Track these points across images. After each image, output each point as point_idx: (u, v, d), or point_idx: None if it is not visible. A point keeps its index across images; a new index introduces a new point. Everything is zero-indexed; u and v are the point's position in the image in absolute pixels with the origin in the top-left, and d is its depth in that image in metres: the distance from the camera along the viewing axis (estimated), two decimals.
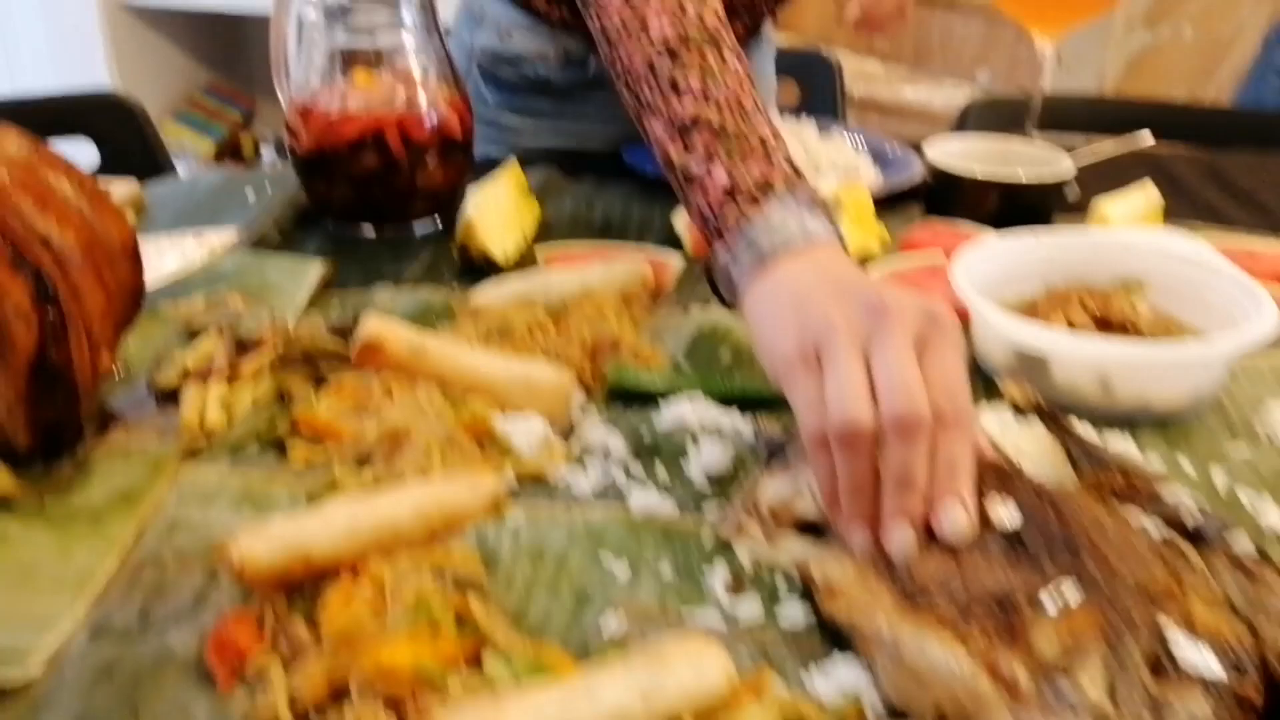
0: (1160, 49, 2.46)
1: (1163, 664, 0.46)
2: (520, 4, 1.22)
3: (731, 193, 0.68)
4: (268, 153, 3.19)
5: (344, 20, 0.97)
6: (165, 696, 0.50)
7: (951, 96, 2.72)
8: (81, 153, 1.38)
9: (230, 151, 3.23)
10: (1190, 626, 0.47)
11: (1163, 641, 0.46)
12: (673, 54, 0.75)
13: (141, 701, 0.50)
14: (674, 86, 0.74)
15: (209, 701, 0.50)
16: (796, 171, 0.70)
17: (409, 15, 0.97)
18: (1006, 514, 0.54)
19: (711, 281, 0.71)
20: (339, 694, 0.50)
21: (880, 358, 0.56)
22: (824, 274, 0.62)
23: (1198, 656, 0.46)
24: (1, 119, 1.35)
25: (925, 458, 0.54)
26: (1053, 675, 0.46)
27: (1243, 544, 0.54)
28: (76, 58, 2.97)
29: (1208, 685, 0.44)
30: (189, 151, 3.07)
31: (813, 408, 0.57)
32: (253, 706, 0.49)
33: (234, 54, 3.42)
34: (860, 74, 2.84)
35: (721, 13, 0.79)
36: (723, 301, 0.70)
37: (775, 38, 1.45)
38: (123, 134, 1.44)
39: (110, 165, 1.42)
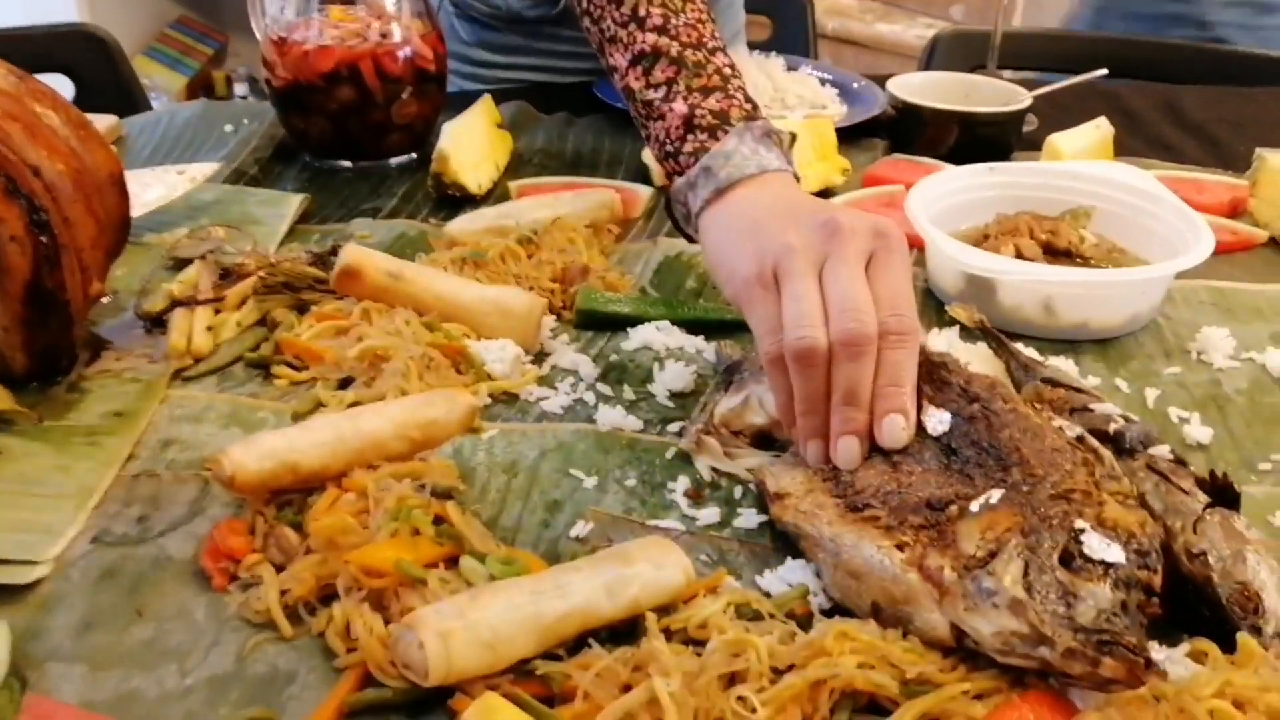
0: None
1: (1074, 557, 0.50)
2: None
3: (689, 122, 0.71)
4: (241, 89, 3.17)
5: None
6: (166, 595, 0.54)
7: (925, 32, 2.74)
8: (56, 87, 1.39)
9: (202, 87, 3.21)
10: (1102, 524, 0.51)
11: (1075, 537, 0.50)
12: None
13: (144, 600, 0.54)
14: (636, 18, 0.76)
15: (206, 600, 0.54)
16: (753, 105, 0.73)
17: None
18: (938, 421, 0.58)
19: (669, 209, 0.73)
20: (327, 593, 0.54)
21: (832, 276, 0.59)
22: (777, 199, 0.66)
23: (1106, 550, 0.50)
24: None
25: (870, 372, 0.58)
26: (974, 570, 0.50)
27: (1162, 452, 0.59)
28: None
29: (1113, 574, 0.49)
30: (160, 88, 3.05)
31: (770, 329, 0.60)
32: (247, 604, 0.53)
33: None
34: (834, 9, 2.85)
35: None
36: (679, 229, 0.73)
37: None
38: (97, 68, 1.44)
39: (84, 100, 1.43)
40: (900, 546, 0.52)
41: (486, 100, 1.06)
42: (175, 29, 3.25)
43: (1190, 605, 0.52)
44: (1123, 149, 1.11)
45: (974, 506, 0.52)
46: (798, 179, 0.70)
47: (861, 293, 0.58)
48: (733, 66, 0.75)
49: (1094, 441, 0.57)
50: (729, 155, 0.69)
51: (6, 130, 0.64)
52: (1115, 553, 0.49)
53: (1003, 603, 0.48)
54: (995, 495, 0.53)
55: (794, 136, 0.72)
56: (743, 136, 0.69)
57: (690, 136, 0.71)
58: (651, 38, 0.75)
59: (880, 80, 1.20)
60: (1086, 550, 0.49)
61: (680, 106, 0.72)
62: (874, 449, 0.59)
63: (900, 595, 0.51)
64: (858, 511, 0.55)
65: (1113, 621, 0.47)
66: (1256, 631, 0.50)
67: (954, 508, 0.53)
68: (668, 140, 0.73)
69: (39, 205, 0.63)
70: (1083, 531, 0.50)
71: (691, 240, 0.72)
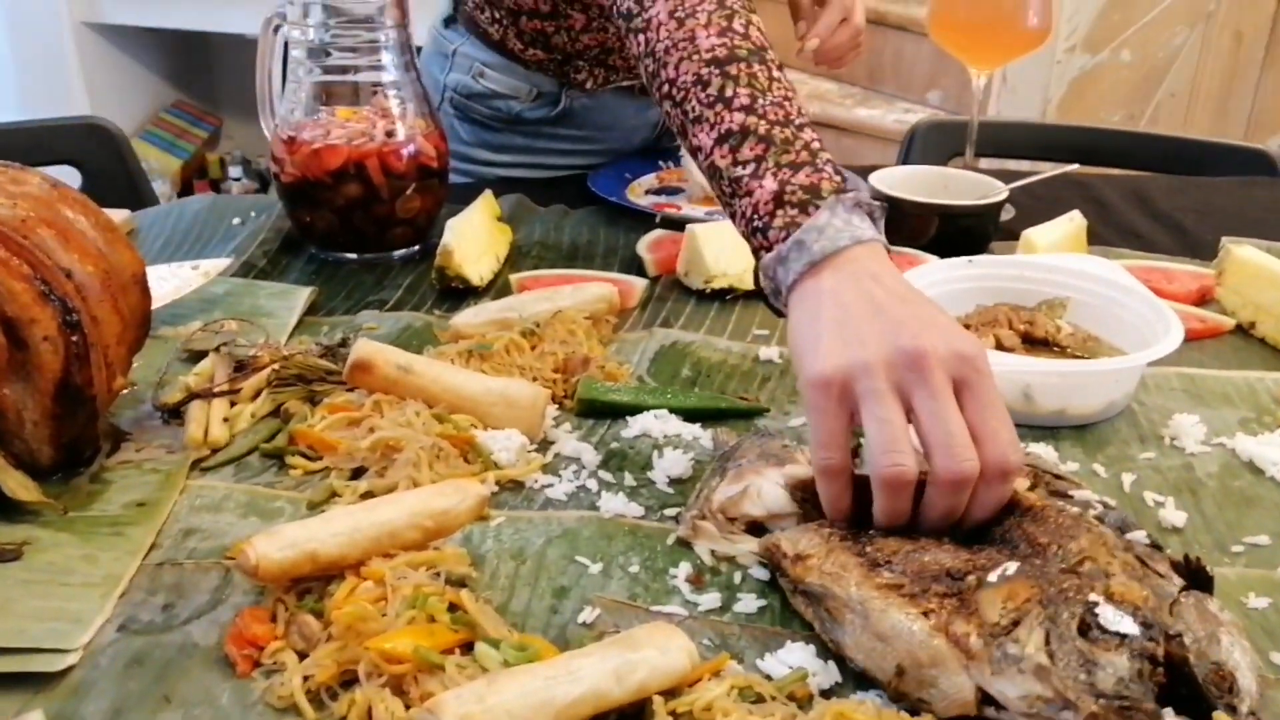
0: (1101, 72, 2.56)
1: (1090, 628, 0.54)
2: (495, 46, 1.29)
3: (779, 198, 0.72)
4: (235, 171, 3.24)
5: (327, 59, 1.04)
6: (192, 682, 0.57)
7: (903, 117, 2.82)
8: (64, 178, 1.43)
9: (197, 170, 3.27)
10: (1111, 597, 0.55)
11: (1090, 609, 0.54)
12: (722, 68, 0.78)
13: (171, 686, 0.56)
14: (723, 99, 0.77)
15: (231, 686, 0.56)
16: (843, 178, 0.74)
17: (389, 55, 1.04)
18: None
19: (757, 285, 0.74)
20: (348, 678, 0.56)
21: (925, 409, 0.60)
22: (865, 293, 0.66)
23: (1119, 622, 0.54)
24: None
25: (965, 501, 0.61)
26: (999, 637, 0.54)
27: (1139, 537, 0.62)
28: (44, 77, 3.00)
29: (1128, 645, 0.52)
30: (156, 171, 3.11)
31: (826, 441, 0.62)
32: (271, 690, 0.56)
33: (200, 72, 3.46)
34: (815, 94, 2.93)
35: (764, 29, 0.83)
36: (771, 308, 0.73)
37: None
38: (103, 159, 1.49)
39: (91, 189, 1.47)
40: (926, 614, 0.56)
41: (487, 195, 1.11)
42: (171, 113, 3.32)
43: (1169, 684, 0.55)
44: (1095, 238, 1.16)
45: (992, 577, 0.56)
46: (888, 248, 0.71)
47: (959, 428, 0.60)
48: (820, 141, 0.76)
49: (1093, 519, 0.61)
50: (822, 229, 0.69)
51: (42, 236, 0.68)
52: (1128, 624, 0.53)
53: (1028, 668, 0.52)
54: (1011, 567, 0.57)
55: (884, 206, 0.74)
56: (834, 209, 0.70)
57: (780, 211, 0.72)
58: (739, 117, 0.76)
59: (863, 172, 1.26)
60: (1102, 622, 0.53)
61: (770, 183, 0.73)
62: None
63: (927, 659, 0.55)
64: (879, 568, 0.59)
65: (1131, 689, 0.51)
66: (1232, 710, 0.53)
67: (972, 578, 0.57)
68: (755, 216, 0.73)
69: (71, 306, 0.67)
70: (1096, 604, 0.54)
71: (780, 314, 0.72)
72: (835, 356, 0.63)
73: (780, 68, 0.80)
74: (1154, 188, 1.37)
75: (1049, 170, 1.28)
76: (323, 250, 1.08)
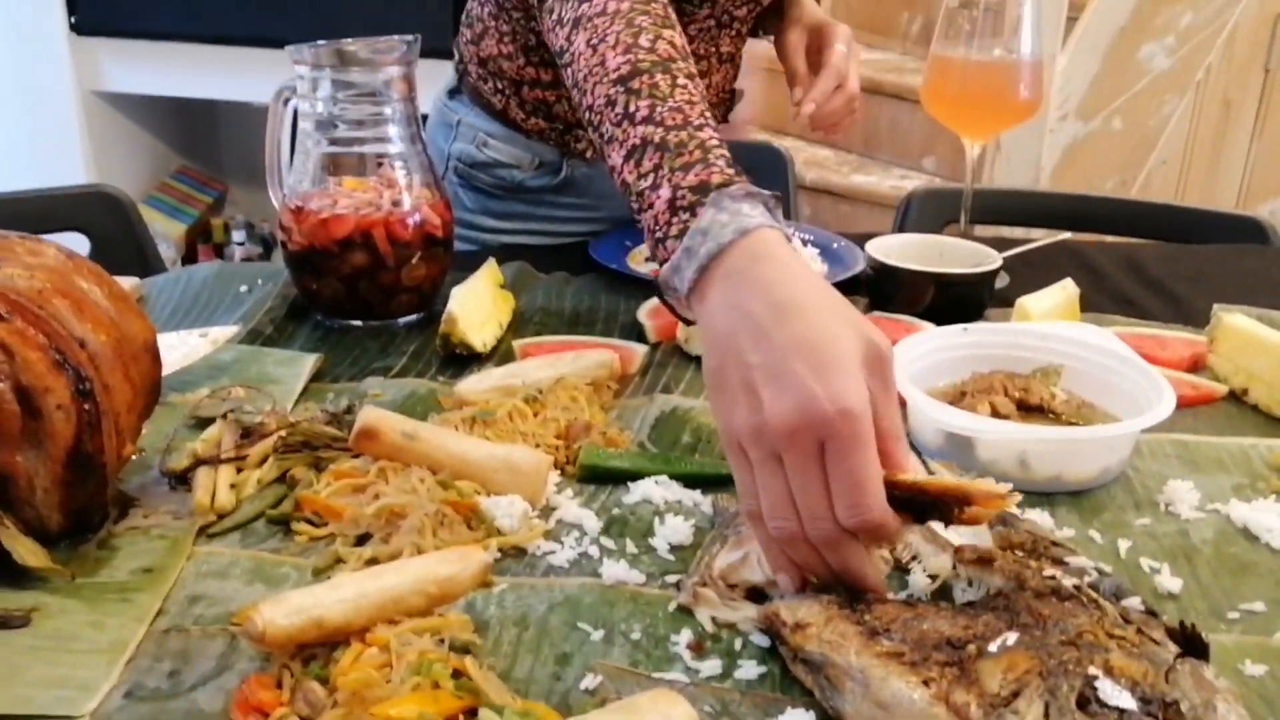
0: (1093, 139, 2.61)
1: (1089, 701, 0.54)
2: (497, 115, 1.32)
3: (673, 205, 0.72)
4: (238, 235, 3.27)
5: (335, 130, 1.06)
6: None
7: (899, 183, 2.86)
8: (73, 245, 1.45)
9: (202, 234, 3.31)
10: (1110, 671, 0.56)
11: (1089, 683, 0.55)
12: (626, 85, 0.79)
13: None
14: (627, 114, 0.78)
15: None
16: (735, 170, 0.73)
17: (395, 128, 1.07)
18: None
19: (664, 301, 0.73)
20: None
21: (792, 477, 0.62)
22: (741, 321, 0.65)
23: (1119, 696, 0.54)
24: (6, 212, 1.42)
25: (853, 548, 0.63)
26: (999, 708, 0.54)
27: (1134, 604, 0.63)
28: (53, 144, 3.05)
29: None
30: (161, 235, 3.14)
31: (745, 491, 0.65)
32: None
33: (205, 139, 3.52)
34: (812, 161, 2.98)
35: (680, 39, 0.84)
36: (682, 319, 0.74)
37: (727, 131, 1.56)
38: (111, 226, 1.51)
39: (99, 255, 1.49)
40: (926, 682, 0.57)
41: (491, 263, 1.13)
42: (176, 179, 3.37)
43: None
44: (1089, 305, 1.17)
45: (992, 647, 0.57)
46: (784, 232, 0.69)
47: (814, 499, 0.61)
48: (718, 139, 0.76)
49: (1092, 592, 0.62)
50: (706, 230, 0.67)
51: (57, 306, 0.69)
52: (1127, 699, 0.54)
53: None
54: (1011, 637, 0.58)
55: (778, 196, 0.71)
56: (720, 204, 0.68)
57: (675, 219, 0.71)
58: (641, 130, 0.76)
59: (858, 240, 1.28)
60: (1101, 696, 0.54)
61: (665, 190, 0.73)
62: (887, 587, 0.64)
63: None
64: (879, 636, 0.60)
65: None
66: None
67: (972, 647, 0.58)
68: (657, 227, 0.73)
69: (85, 375, 0.68)
70: (1096, 677, 0.54)
71: (687, 321, 0.73)
72: (725, 417, 0.64)
73: (690, 75, 0.80)
74: (1147, 255, 1.39)
75: (1042, 238, 1.30)
76: (328, 317, 1.10)
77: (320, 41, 1.04)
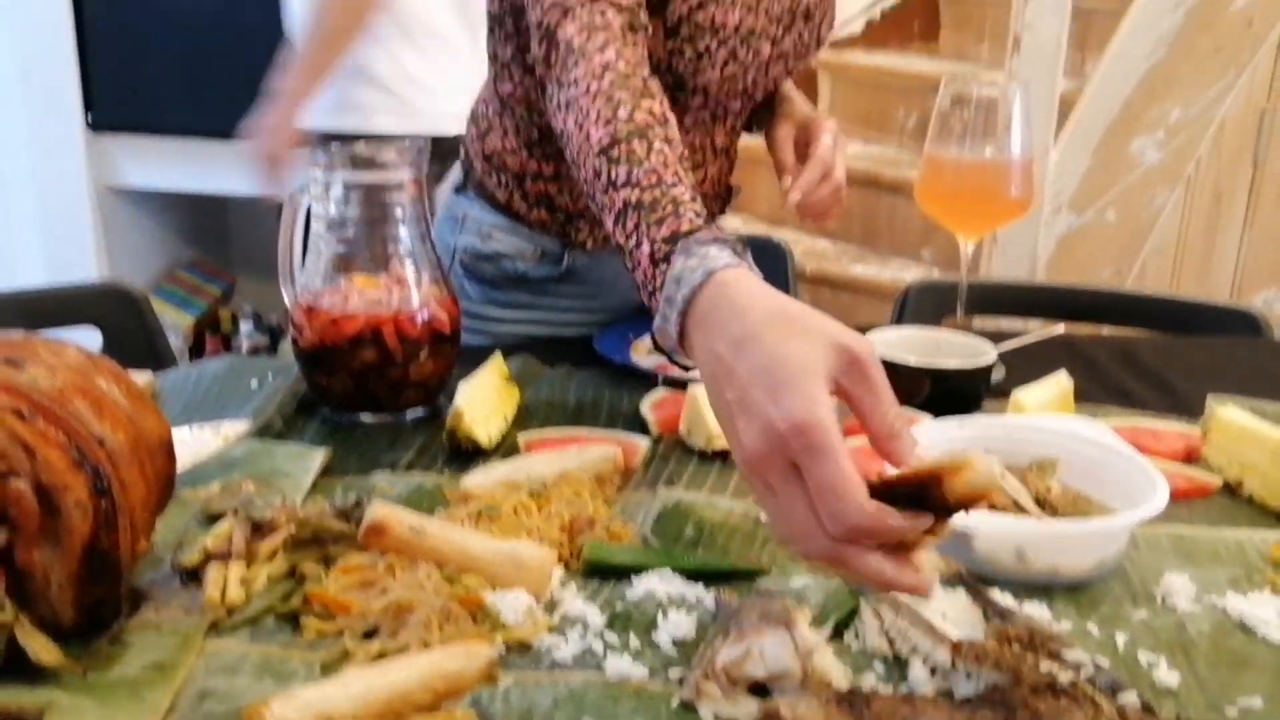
0: (1087, 230, 2.66)
1: None
2: (501, 208, 1.36)
3: (654, 258, 0.78)
4: (246, 326, 3.31)
5: (346, 230, 1.09)
6: None
7: (898, 273, 2.91)
8: (85, 339, 1.48)
9: (210, 325, 3.35)
10: None
11: None
12: (608, 155, 0.85)
13: None
14: (611, 182, 0.84)
15: None
16: (703, 219, 0.79)
17: (406, 228, 1.10)
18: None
19: (661, 350, 0.79)
20: None
21: (782, 502, 0.65)
22: (715, 362, 0.69)
23: None
24: (15, 309, 1.46)
25: (863, 556, 0.64)
26: None
27: (1130, 699, 0.64)
28: (67, 238, 3.11)
29: None
30: (170, 326, 3.18)
31: (769, 520, 0.69)
32: None
33: (215, 231, 3.58)
34: (812, 252, 3.03)
35: (658, 107, 0.90)
36: (680, 365, 0.79)
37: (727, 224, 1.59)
38: (124, 321, 1.55)
39: (111, 349, 1.52)
40: None
41: (496, 358, 1.15)
42: (186, 270, 3.42)
43: None
44: (1084, 396, 1.20)
45: None
46: (751, 266, 0.74)
47: (800, 521, 0.64)
48: (692, 194, 0.81)
49: (1089, 687, 0.63)
50: (680, 277, 0.72)
51: (78, 406, 0.72)
52: None
53: None
54: None
55: (743, 240, 0.77)
56: (688, 250, 0.73)
57: (656, 272, 0.77)
58: (623, 194, 0.82)
59: (858, 330, 1.30)
60: None
61: (646, 246, 0.78)
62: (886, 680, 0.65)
63: None
64: None
65: None
66: None
67: None
68: (646, 283, 0.78)
69: (103, 473, 0.70)
70: None
71: (685, 368, 0.78)
72: (735, 442, 0.68)
73: (667, 139, 0.86)
74: (1141, 347, 1.42)
75: (1037, 332, 1.33)
76: (337, 412, 1.12)
77: (334, 144, 1.08)
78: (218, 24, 2.96)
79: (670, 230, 0.77)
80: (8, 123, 3.13)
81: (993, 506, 0.69)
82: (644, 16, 1.02)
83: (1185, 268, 2.72)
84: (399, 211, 1.10)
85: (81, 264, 3.11)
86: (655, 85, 0.94)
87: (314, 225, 1.11)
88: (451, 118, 2.05)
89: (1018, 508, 0.74)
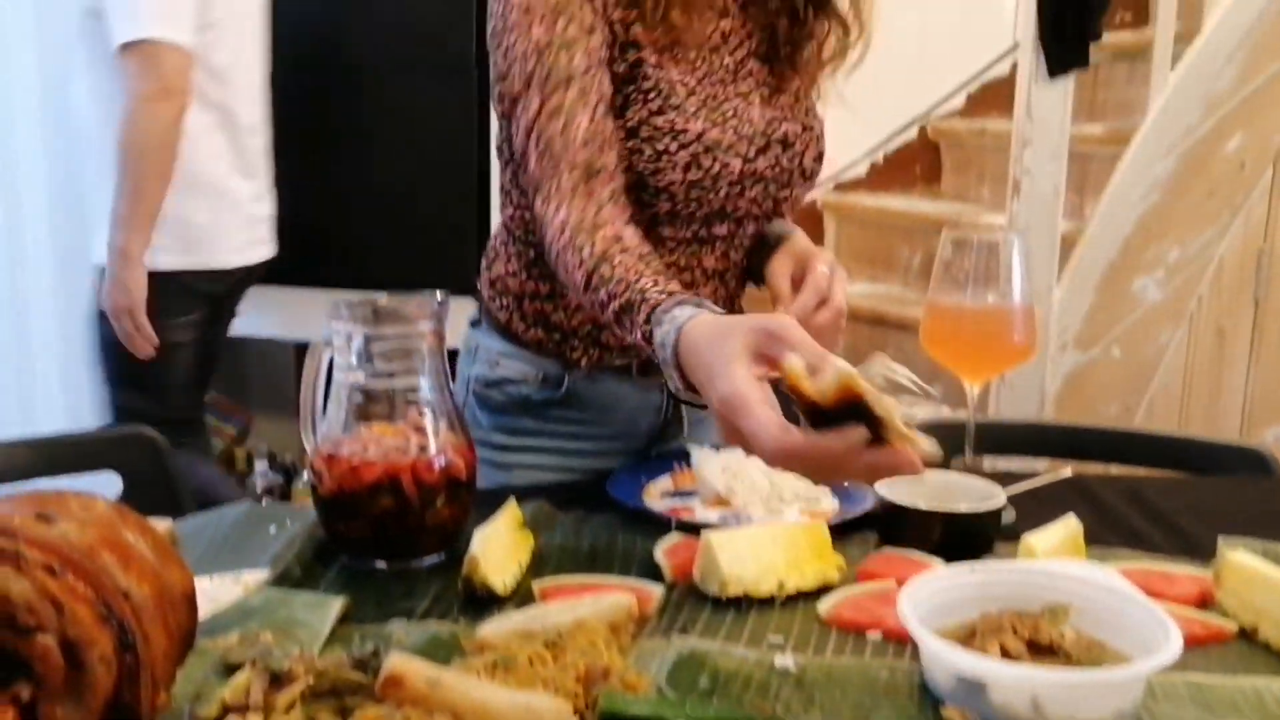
0: (1094, 367, 2.69)
1: None
2: (505, 333, 1.41)
3: (648, 340, 1.06)
4: (261, 465, 3.33)
5: (367, 381, 1.13)
6: None
7: (909, 410, 2.93)
8: (106, 484, 1.51)
9: (225, 464, 3.37)
10: None
11: None
12: (590, 286, 1.14)
13: None
14: (601, 305, 1.13)
15: None
16: (663, 288, 1.08)
17: (425, 378, 1.13)
18: None
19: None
20: None
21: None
22: (699, 383, 1.00)
23: None
24: (38, 455, 1.49)
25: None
26: None
27: None
28: (87, 378, 3.15)
29: None
30: None
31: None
32: None
33: (232, 371, 3.63)
34: None
35: (609, 230, 1.17)
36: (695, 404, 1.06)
37: None
38: (144, 466, 1.57)
39: (131, 494, 1.55)
40: None
41: (511, 504, 1.17)
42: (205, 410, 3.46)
43: None
44: (1094, 538, 1.20)
45: None
46: (706, 306, 1.05)
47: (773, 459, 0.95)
48: (653, 276, 1.11)
49: None
50: (663, 343, 1.03)
51: (105, 560, 0.73)
52: None
53: None
54: None
55: (682, 300, 1.07)
56: (660, 321, 1.05)
57: (653, 348, 1.07)
58: (611, 308, 1.11)
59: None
60: None
61: (639, 335, 1.08)
62: None
63: None
64: None
65: None
66: None
67: None
68: (655, 360, 1.07)
69: (129, 628, 0.71)
70: None
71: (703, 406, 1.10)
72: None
73: (624, 249, 1.14)
74: (1150, 488, 1.42)
75: (1046, 474, 1.34)
76: (355, 559, 1.13)
77: (356, 299, 1.12)
78: None
79: (645, 314, 1.06)
80: (36, 262, 3.22)
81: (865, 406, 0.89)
82: (603, 159, 1.23)
83: (1193, 404, 2.74)
84: (418, 362, 1.13)
85: (103, 404, 3.15)
86: (606, 214, 1.20)
87: (335, 375, 1.14)
88: (233, 252, 2.58)
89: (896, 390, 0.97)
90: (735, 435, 0.94)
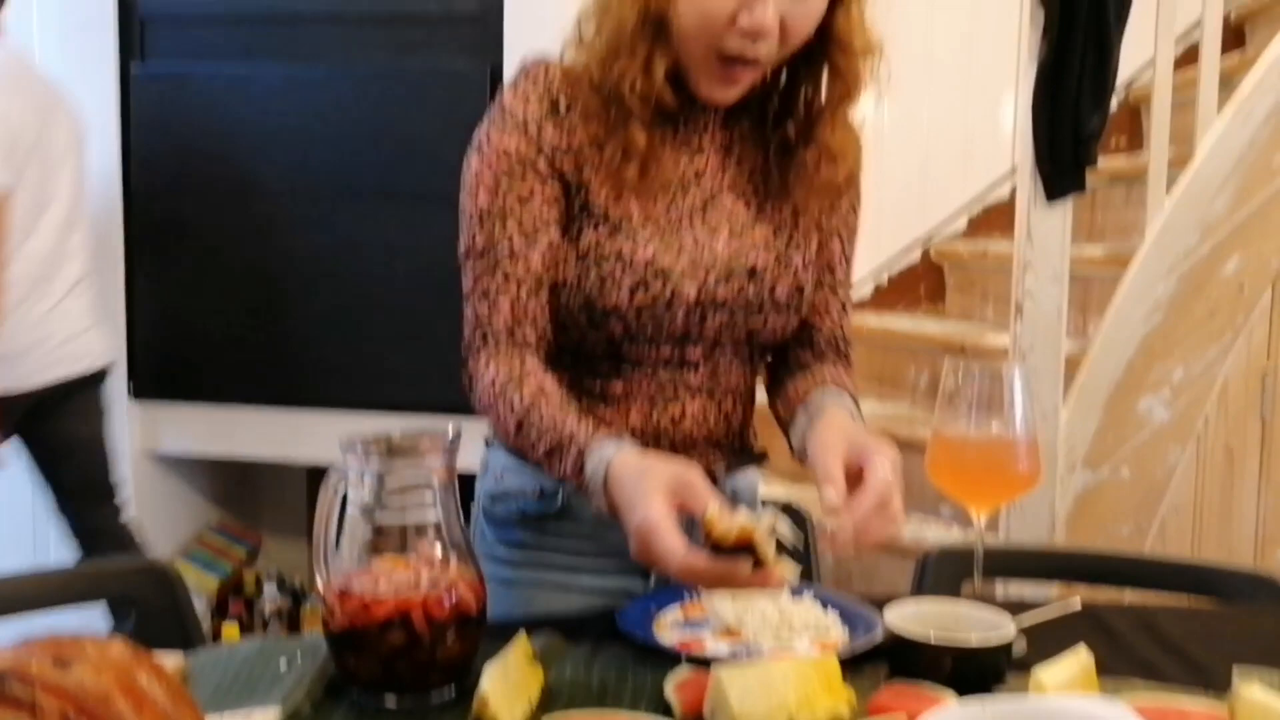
0: (1103, 488, 2.69)
1: None
2: (507, 448, 1.45)
3: (579, 481, 1.24)
4: (270, 589, 3.32)
5: (379, 516, 1.14)
6: None
7: (918, 530, 2.92)
8: (120, 616, 1.51)
9: (233, 588, 3.36)
10: None
11: None
12: (521, 432, 1.29)
13: None
14: (532, 446, 1.29)
15: None
16: (585, 431, 1.24)
17: (436, 512, 1.15)
18: None
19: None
20: None
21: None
22: (621, 513, 1.19)
23: None
24: (51, 587, 1.50)
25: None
26: None
27: None
28: None
29: None
30: (194, 589, 3.19)
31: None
32: None
33: (243, 493, 3.65)
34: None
35: (533, 381, 1.30)
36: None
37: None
38: (156, 597, 1.58)
39: (143, 626, 1.55)
40: None
41: (521, 638, 1.17)
42: (213, 532, 3.46)
43: None
44: (1106, 668, 1.19)
45: None
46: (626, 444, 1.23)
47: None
48: (577, 418, 1.27)
49: None
50: (591, 479, 1.22)
51: (120, 707, 0.74)
52: None
53: None
54: None
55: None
56: (588, 460, 1.22)
57: (585, 487, 1.25)
58: (540, 449, 1.29)
59: (878, 600, 1.31)
60: None
61: (571, 473, 1.25)
62: None
63: None
64: None
65: None
66: None
67: None
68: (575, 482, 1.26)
69: None
70: None
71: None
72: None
73: (547, 399, 1.28)
74: (1163, 617, 1.42)
75: (1056, 604, 1.34)
76: (365, 695, 1.13)
77: (369, 433, 1.15)
78: (254, 299, 3.13)
79: (575, 453, 1.23)
80: None
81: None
82: (525, 332, 1.36)
83: (1205, 525, 2.73)
84: (430, 496, 1.15)
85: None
86: (529, 366, 1.33)
87: (349, 510, 1.16)
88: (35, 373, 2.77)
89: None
90: (646, 554, 1.13)
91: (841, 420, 1.34)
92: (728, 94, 1.36)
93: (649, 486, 1.13)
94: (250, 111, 3.08)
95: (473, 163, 1.37)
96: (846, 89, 1.39)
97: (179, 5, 3.14)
